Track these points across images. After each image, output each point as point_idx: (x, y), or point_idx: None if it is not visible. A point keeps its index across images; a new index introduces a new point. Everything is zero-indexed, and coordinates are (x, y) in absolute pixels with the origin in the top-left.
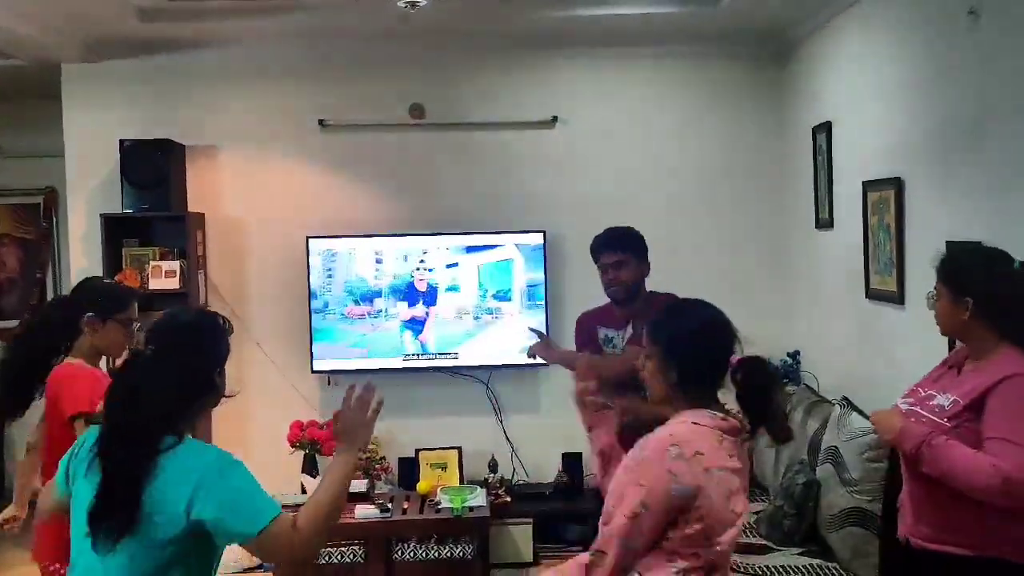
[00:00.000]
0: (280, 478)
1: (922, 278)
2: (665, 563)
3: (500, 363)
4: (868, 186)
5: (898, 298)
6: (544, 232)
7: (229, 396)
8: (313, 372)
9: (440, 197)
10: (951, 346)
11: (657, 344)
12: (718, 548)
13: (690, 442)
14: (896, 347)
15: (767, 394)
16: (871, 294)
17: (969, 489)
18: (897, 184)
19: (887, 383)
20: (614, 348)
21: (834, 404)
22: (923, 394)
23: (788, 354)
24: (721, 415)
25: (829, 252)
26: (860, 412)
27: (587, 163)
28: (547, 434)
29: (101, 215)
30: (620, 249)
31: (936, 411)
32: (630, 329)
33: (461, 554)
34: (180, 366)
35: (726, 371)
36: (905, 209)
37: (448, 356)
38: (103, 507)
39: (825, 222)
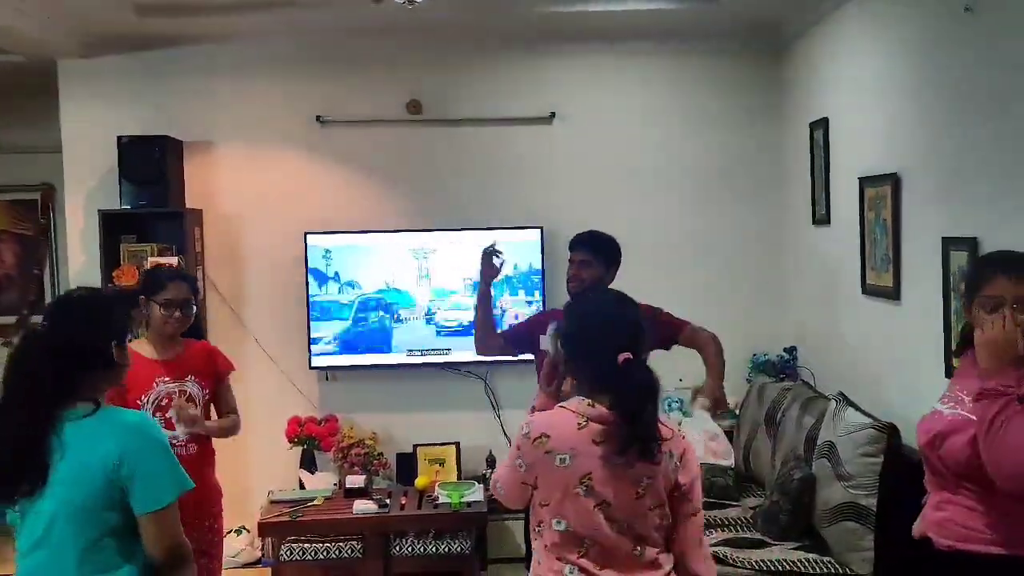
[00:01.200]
0: (278, 474)
1: (918, 274)
2: (549, 551)
3: (499, 359)
4: (865, 182)
5: (894, 294)
6: (541, 228)
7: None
8: (311, 368)
9: (437, 193)
10: (947, 344)
11: (559, 331)
12: (591, 543)
13: (540, 425)
14: (892, 343)
15: (636, 402)
16: (867, 290)
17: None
18: (894, 180)
19: (883, 379)
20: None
21: (830, 399)
22: (964, 398)
23: (784, 349)
24: (590, 403)
25: (826, 248)
26: (856, 407)
27: (585, 159)
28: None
29: (99, 211)
30: (590, 250)
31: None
32: None
33: (459, 549)
34: (68, 339)
35: (609, 365)
36: (902, 205)
37: (446, 352)
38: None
39: (822, 218)
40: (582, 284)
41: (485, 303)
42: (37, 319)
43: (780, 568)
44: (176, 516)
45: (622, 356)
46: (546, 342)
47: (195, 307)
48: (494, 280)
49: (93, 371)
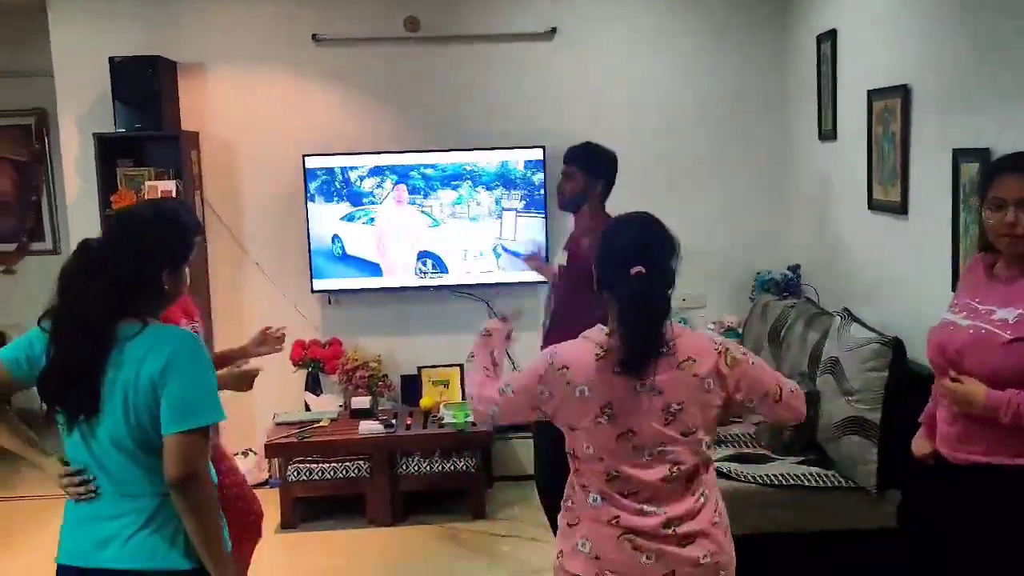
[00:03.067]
0: (284, 397)
1: (927, 188)
2: (578, 474)
3: (502, 281)
4: (873, 95)
5: (901, 208)
6: (543, 147)
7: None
8: (313, 292)
9: (436, 112)
10: (954, 259)
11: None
12: (619, 470)
13: (563, 356)
14: (898, 258)
15: (633, 314)
16: (874, 205)
17: None
18: (904, 92)
19: (889, 294)
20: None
21: (835, 316)
22: (981, 308)
23: (789, 268)
24: (608, 331)
25: (832, 164)
26: (860, 323)
27: (586, 76)
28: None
29: (94, 135)
30: (571, 161)
31: (1000, 325)
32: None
33: (465, 467)
34: (122, 258)
35: (623, 284)
36: (911, 117)
37: (450, 274)
38: (57, 385)
39: (828, 133)
40: (563, 198)
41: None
42: (37, 246)
43: (785, 482)
44: (203, 444)
45: (634, 269)
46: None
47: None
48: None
49: (140, 294)
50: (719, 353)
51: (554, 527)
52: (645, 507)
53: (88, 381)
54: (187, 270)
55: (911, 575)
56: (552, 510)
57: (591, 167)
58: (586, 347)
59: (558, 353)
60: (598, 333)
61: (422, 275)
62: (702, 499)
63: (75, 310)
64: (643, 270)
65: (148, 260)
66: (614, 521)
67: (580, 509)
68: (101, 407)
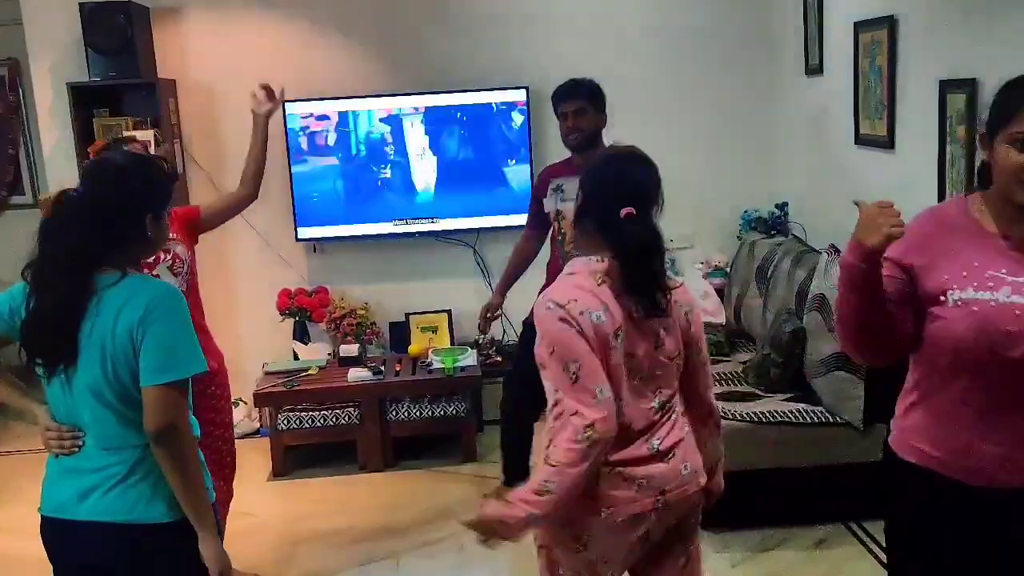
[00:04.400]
0: (272, 347)
1: (913, 121)
2: (565, 420)
3: (486, 226)
4: (860, 27)
5: (888, 143)
6: (527, 88)
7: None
8: (298, 241)
9: (418, 54)
10: (940, 191)
11: (580, 184)
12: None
13: (560, 292)
14: (886, 193)
15: (636, 257)
16: (860, 140)
17: None
18: (890, 23)
19: None
20: (563, 193)
21: (822, 253)
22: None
23: (776, 205)
24: (598, 259)
25: (818, 99)
26: None
27: (572, 15)
28: (535, 295)
29: (67, 84)
30: (579, 97)
31: None
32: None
33: (455, 412)
34: (103, 205)
35: (613, 221)
36: (898, 49)
37: (433, 220)
38: (37, 334)
39: (814, 68)
40: (583, 134)
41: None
42: (17, 199)
43: (772, 419)
44: (181, 397)
45: (624, 210)
46: (548, 202)
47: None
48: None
49: (123, 241)
50: (690, 294)
51: (514, 465)
52: (625, 436)
53: (65, 330)
54: (167, 218)
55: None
56: (511, 447)
57: (601, 99)
58: (581, 280)
59: (556, 296)
60: (585, 264)
61: (403, 222)
62: (673, 415)
63: (54, 260)
64: (633, 211)
65: (132, 205)
66: (603, 459)
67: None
68: (79, 357)
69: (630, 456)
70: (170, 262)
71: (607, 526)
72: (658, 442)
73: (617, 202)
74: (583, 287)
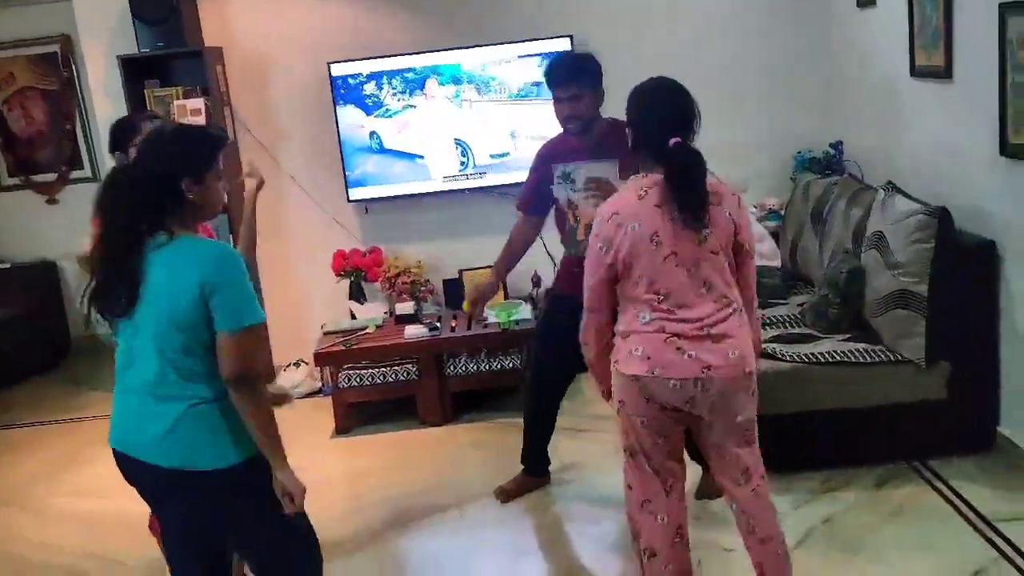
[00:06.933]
0: (329, 308)
1: (971, 49)
2: (631, 301)
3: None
4: None
5: (945, 72)
6: (571, 36)
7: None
8: (350, 202)
9: (462, 7)
10: (1002, 122)
11: (627, 110)
12: (665, 292)
13: (609, 208)
14: (943, 125)
15: (685, 179)
16: (917, 72)
17: None
18: None
19: (934, 164)
20: (573, 184)
21: (878, 190)
22: None
23: (830, 145)
24: (644, 175)
25: (872, 32)
26: (905, 195)
27: None
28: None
29: (118, 57)
30: (575, 83)
31: None
32: (595, 164)
33: (511, 365)
34: (146, 171)
35: (661, 141)
36: None
37: (484, 175)
38: (98, 294)
39: (867, 0)
40: (582, 120)
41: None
42: (76, 174)
43: (831, 359)
44: (253, 341)
45: (672, 140)
46: (558, 190)
47: None
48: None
49: (163, 207)
50: (736, 196)
51: (539, 425)
52: (684, 315)
53: (124, 286)
54: (220, 184)
55: (960, 446)
56: (549, 397)
57: (595, 82)
58: (628, 194)
59: (605, 209)
60: (635, 181)
61: (463, 168)
62: (730, 311)
63: (109, 228)
64: (680, 140)
65: (167, 169)
66: (660, 329)
67: (631, 325)
68: (137, 311)
69: (685, 332)
70: None
71: (658, 380)
72: (712, 326)
73: (663, 132)
74: (628, 201)
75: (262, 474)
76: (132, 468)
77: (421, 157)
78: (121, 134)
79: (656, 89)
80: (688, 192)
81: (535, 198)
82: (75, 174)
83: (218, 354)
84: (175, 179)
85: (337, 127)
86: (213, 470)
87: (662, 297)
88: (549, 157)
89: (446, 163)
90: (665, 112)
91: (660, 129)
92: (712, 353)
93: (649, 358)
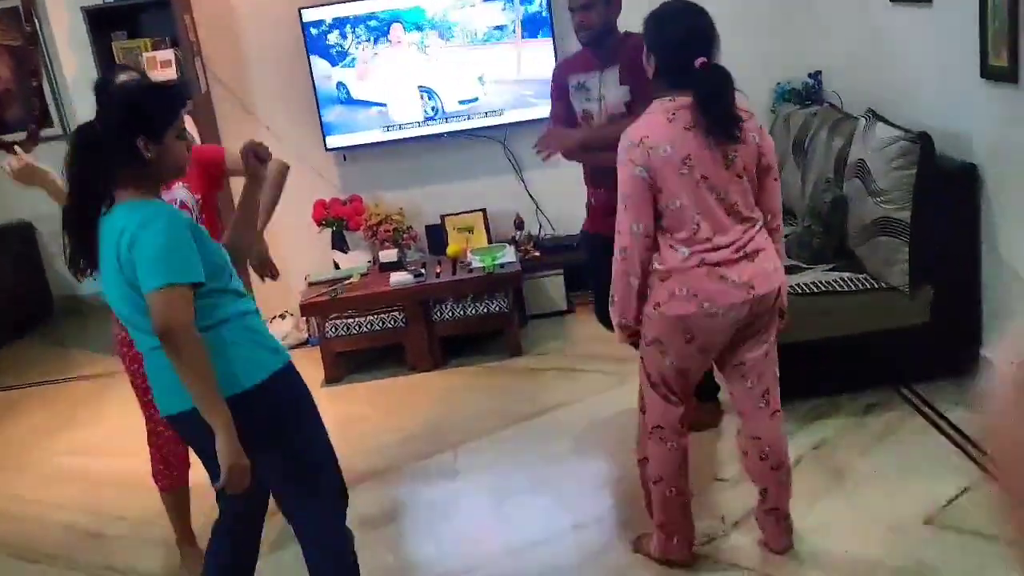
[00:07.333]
0: (313, 258)
1: None
2: (666, 238)
3: (513, 121)
4: None
5: None
6: None
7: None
8: (327, 150)
9: None
10: (982, 44)
11: (645, 38)
12: (699, 218)
13: (637, 130)
14: (923, 50)
15: (718, 97)
16: None
17: None
18: None
19: (915, 89)
20: (587, 92)
21: (859, 119)
22: None
23: (809, 75)
24: (671, 98)
25: None
26: (886, 122)
27: None
28: (568, 187)
29: (82, 8)
30: None
31: None
32: (607, 73)
33: (497, 308)
34: (104, 131)
35: (687, 64)
36: None
37: (461, 118)
38: (72, 252)
39: None
40: (593, 30)
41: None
42: (47, 132)
43: (816, 289)
44: (174, 301)
45: (699, 60)
46: (575, 102)
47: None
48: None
49: (115, 167)
50: (756, 119)
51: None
52: (719, 241)
53: (84, 248)
54: (180, 142)
55: (944, 369)
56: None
57: None
58: (656, 118)
59: (633, 133)
60: (661, 104)
61: (431, 115)
62: (756, 229)
63: (72, 189)
64: (706, 60)
65: (117, 132)
66: (700, 263)
67: (670, 263)
68: (97, 270)
69: (723, 259)
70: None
71: (708, 314)
72: (745, 246)
73: (689, 54)
74: (656, 124)
75: (257, 405)
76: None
77: (383, 105)
78: (99, 94)
79: (679, 12)
80: (721, 112)
81: (562, 113)
82: (46, 131)
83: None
84: (129, 139)
85: (311, 75)
86: (192, 409)
87: (696, 226)
88: (566, 72)
89: (414, 111)
90: (691, 34)
91: (687, 52)
92: (752, 271)
93: (696, 295)
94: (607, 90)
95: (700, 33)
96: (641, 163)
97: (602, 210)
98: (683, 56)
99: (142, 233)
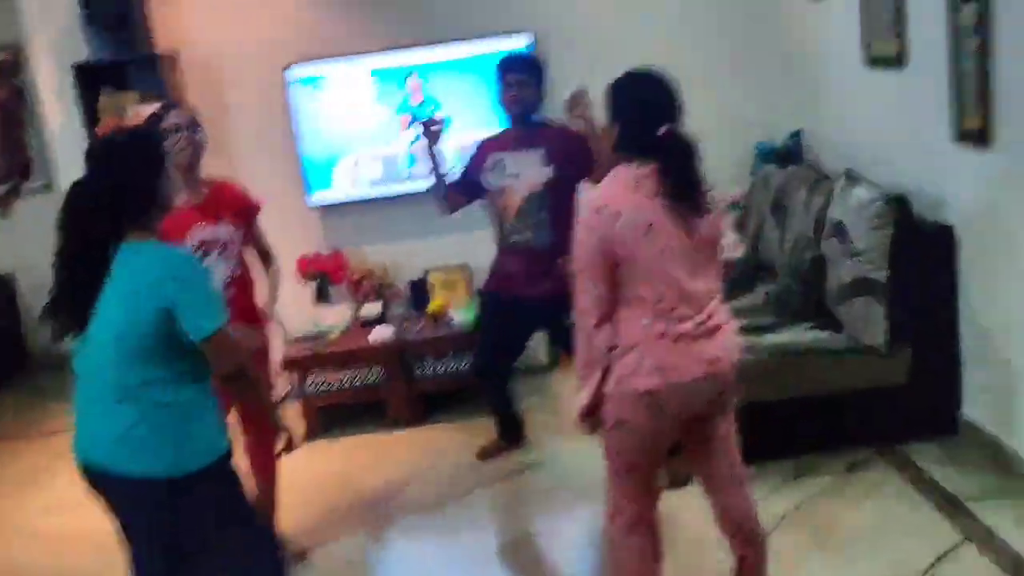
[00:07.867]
0: (294, 312)
1: (924, 36)
2: (627, 307)
3: None
4: None
5: (897, 61)
6: (535, 33)
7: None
8: (310, 207)
9: (418, 5)
10: (957, 105)
11: (607, 107)
12: (663, 287)
13: (600, 196)
14: (898, 112)
15: (682, 167)
16: (870, 60)
17: None
18: None
19: (891, 151)
20: (503, 170)
21: (837, 179)
22: None
23: (789, 135)
24: (637, 165)
25: (825, 23)
26: (864, 182)
27: None
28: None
29: (72, 65)
30: (525, 72)
31: None
32: (530, 152)
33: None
34: (115, 183)
35: (651, 133)
36: None
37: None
38: (55, 305)
39: None
40: (524, 103)
41: (436, 169)
42: (31, 186)
43: (795, 348)
44: (227, 341)
45: (663, 130)
46: (493, 178)
47: (201, 129)
48: (435, 144)
49: (142, 209)
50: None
51: (501, 404)
52: (683, 312)
53: (82, 297)
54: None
55: (925, 430)
56: (496, 389)
57: (542, 74)
58: (617, 184)
59: (594, 199)
60: (626, 170)
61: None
62: (714, 302)
63: (71, 241)
64: (671, 129)
65: (144, 172)
66: (664, 333)
67: (633, 336)
68: (92, 322)
69: (687, 331)
70: (220, 248)
71: (675, 389)
72: (709, 320)
73: (652, 123)
74: (618, 191)
75: (217, 484)
76: (93, 478)
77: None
78: (102, 148)
79: (641, 80)
80: (685, 181)
81: (464, 182)
82: (30, 185)
83: (208, 356)
84: (152, 178)
85: (297, 131)
86: (166, 478)
87: (660, 295)
88: (486, 150)
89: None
90: (655, 102)
91: (650, 121)
92: (714, 346)
93: (661, 368)
94: (528, 168)
95: (663, 101)
96: (601, 230)
97: (506, 275)
98: (646, 125)
99: (192, 277)
